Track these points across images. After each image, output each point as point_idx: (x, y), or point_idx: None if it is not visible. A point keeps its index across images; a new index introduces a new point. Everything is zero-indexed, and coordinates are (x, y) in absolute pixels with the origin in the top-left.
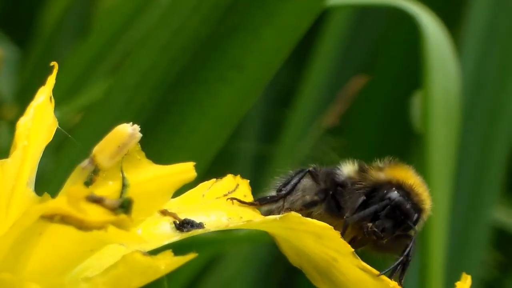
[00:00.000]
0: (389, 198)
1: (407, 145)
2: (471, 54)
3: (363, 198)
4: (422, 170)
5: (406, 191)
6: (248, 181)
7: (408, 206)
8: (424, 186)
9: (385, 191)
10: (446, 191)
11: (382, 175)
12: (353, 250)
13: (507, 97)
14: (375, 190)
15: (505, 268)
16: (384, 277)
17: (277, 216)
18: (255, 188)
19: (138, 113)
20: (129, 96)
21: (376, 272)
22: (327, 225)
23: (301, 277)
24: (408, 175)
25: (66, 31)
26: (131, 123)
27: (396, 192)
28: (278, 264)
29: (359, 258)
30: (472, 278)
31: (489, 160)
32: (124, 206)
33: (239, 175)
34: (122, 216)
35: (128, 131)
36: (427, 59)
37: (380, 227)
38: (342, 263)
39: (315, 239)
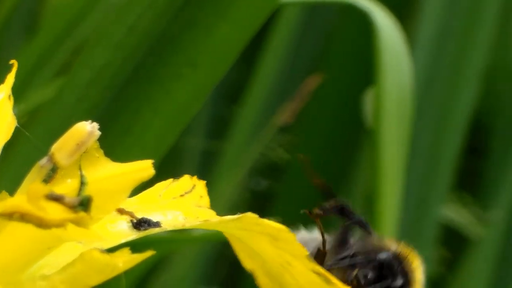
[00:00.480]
0: (381, 256)
1: (359, 142)
2: (424, 50)
3: (349, 251)
4: (373, 167)
5: (399, 259)
6: (205, 182)
7: (396, 267)
8: (421, 273)
9: (380, 251)
10: (398, 188)
11: (384, 244)
12: (308, 253)
13: (458, 95)
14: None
15: (450, 265)
16: (336, 281)
17: (234, 216)
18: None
19: (91, 111)
20: (82, 94)
21: (329, 276)
22: (284, 227)
23: (245, 276)
24: (410, 254)
25: (15, 29)
26: (90, 121)
27: (388, 253)
28: (223, 262)
29: (314, 262)
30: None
31: (438, 158)
32: (84, 204)
33: (195, 176)
34: (82, 214)
35: (87, 129)
36: (380, 55)
37: (363, 274)
38: (296, 267)
39: (271, 241)
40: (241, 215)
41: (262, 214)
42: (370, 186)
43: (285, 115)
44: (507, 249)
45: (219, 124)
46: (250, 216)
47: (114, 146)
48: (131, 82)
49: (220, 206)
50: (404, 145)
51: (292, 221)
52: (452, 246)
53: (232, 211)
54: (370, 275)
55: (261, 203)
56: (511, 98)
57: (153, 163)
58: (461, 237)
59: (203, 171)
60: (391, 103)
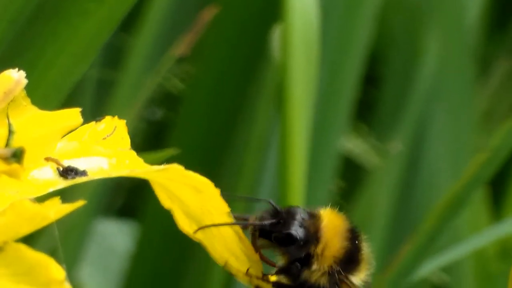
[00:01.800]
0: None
1: (258, 75)
2: None
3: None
4: (280, 103)
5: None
6: (125, 121)
7: (300, 218)
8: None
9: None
10: (306, 122)
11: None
12: (230, 210)
13: (355, 26)
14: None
15: (347, 196)
16: (248, 241)
17: (160, 167)
18: (100, 113)
19: None
20: None
21: (243, 236)
22: (209, 181)
23: (142, 205)
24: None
25: None
26: (17, 68)
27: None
28: (120, 191)
29: (233, 219)
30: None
31: (337, 88)
32: (16, 155)
33: (116, 116)
34: (15, 166)
35: (14, 77)
36: None
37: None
38: (216, 219)
39: (195, 193)
40: (167, 166)
41: (158, 144)
42: (273, 121)
43: (181, 46)
44: (406, 181)
45: (114, 54)
46: (177, 167)
47: None
48: (36, 18)
49: None
50: (312, 79)
51: (188, 151)
52: (349, 176)
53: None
54: (266, 216)
55: (157, 133)
56: (404, 30)
57: (57, 98)
58: (358, 168)
59: (99, 101)
60: (298, 37)
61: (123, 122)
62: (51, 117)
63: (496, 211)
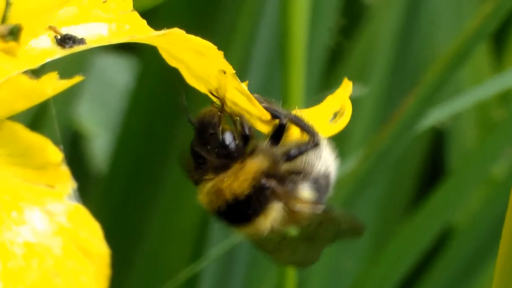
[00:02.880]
0: None
1: None
2: None
3: None
4: None
5: None
6: None
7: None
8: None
9: None
10: None
11: None
12: (235, 72)
13: None
14: None
15: (347, 33)
16: (257, 102)
17: (161, 32)
18: None
19: None
20: None
21: (252, 97)
22: (212, 44)
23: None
24: None
25: None
26: None
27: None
28: None
29: (239, 80)
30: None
31: None
32: (13, 32)
33: None
34: (11, 43)
35: None
36: None
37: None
38: (221, 80)
39: (198, 56)
40: (168, 30)
41: None
42: None
43: None
44: (407, 23)
45: None
46: (178, 32)
47: None
48: None
49: None
50: None
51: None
52: (349, 13)
53: None
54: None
55: None
56: None
57: None
58: (359, 4)
59: None
60: None
61: None
62: None
63: (498, 62)
